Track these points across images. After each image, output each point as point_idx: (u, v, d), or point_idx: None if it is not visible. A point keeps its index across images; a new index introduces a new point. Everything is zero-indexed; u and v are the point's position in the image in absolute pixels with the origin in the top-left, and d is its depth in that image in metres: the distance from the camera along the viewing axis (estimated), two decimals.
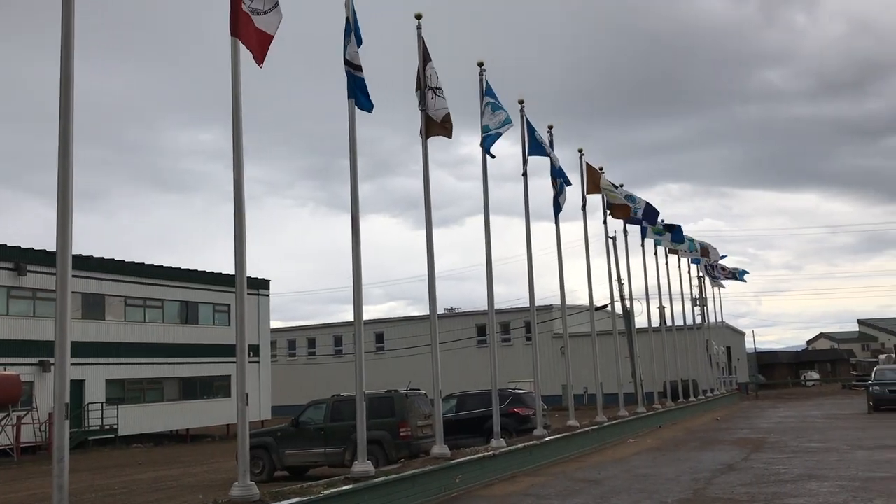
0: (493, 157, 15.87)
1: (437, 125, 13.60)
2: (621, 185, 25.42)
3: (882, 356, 76.26)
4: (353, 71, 11.56)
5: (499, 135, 15.85)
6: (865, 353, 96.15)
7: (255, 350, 43.40)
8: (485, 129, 15.66)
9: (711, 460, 15.98)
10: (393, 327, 61.72)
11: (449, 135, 13.69)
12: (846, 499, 10.49)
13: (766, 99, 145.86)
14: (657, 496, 11.54)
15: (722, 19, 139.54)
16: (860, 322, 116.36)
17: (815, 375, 72.11)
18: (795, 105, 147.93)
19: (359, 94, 11.56)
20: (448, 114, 13.37)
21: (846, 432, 21.53)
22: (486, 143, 15.67)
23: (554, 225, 20.38)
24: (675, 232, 30.56)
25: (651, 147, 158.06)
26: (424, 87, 13.36)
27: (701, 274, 41.94)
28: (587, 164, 22.79)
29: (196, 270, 42.38)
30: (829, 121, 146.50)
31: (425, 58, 13.41)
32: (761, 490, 11.60)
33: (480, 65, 16.06)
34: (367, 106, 11.64)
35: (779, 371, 75.11)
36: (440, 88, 13.36)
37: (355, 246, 11.57)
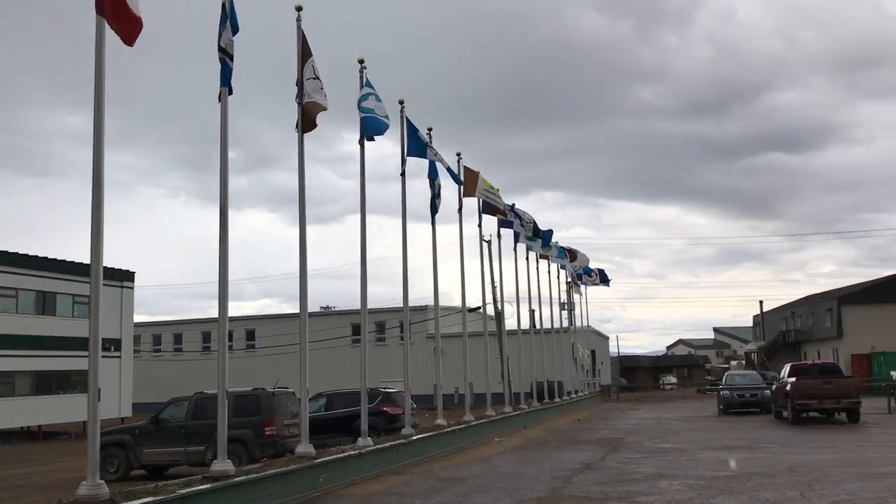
0: (371, 139, 15.80)
1: (313, 120, 13.44)
2: (497, 190, 25.89)
3: (733, 363, 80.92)
4: (228, 59, 11.27)
5: (382, 123, 15.80)
6: (719, 359, 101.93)
7: (116, 344, 41.55)
8: (367, 110, 15.52)
9: (571, 460, 16.52)
10: (265, 324, 60.55)
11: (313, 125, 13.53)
12: (692, 496, 11.07)
13: (639, 115, 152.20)
14: (517, 494, 11.83)
15: (599, 35, 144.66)
16: (715, 330, 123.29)
17: (673, 379, 75.71)
18: (665, 122, 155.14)
19: (231, 83, 11.29)
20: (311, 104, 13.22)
21: (697, 434, 22.74)
22: (368, 124, 15.50)
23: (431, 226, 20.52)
24: (545, 238, 31.40)
25: (527, 156, 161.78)
26: (303, 80, 13.17)
27: (569, 279, 43.31)
28: (465, 167, 23.07)
29: (55, 259, 40.14)
30: (694, 138, 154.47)
31: (305, 51, 13.22)
32: (615, 489, 12.09)
33: (361, 62, 15.99)
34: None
35: (640, 374, 78.47)
36: (317, 79, 13.21)
37: (223, 239, 11.26)
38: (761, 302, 77.55)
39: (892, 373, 37.48)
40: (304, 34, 13.37)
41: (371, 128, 15.60)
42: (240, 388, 18.94)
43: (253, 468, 12.13)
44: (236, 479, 10.58)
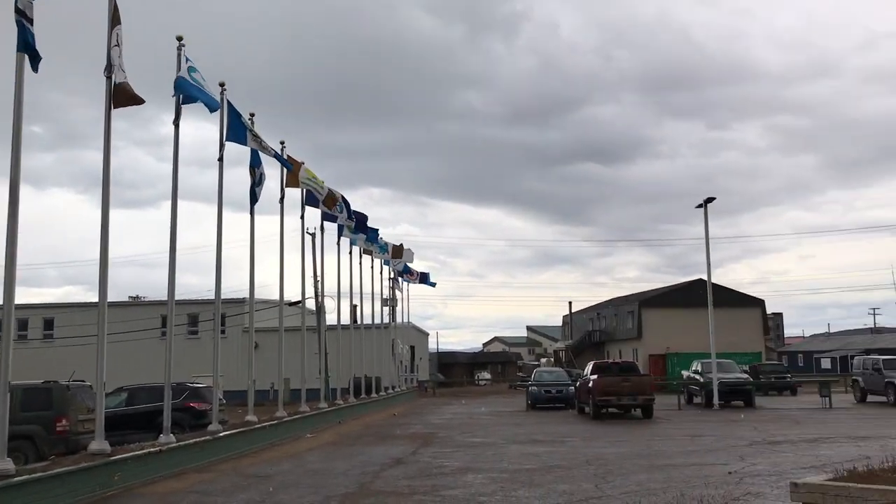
0: (184, 102, 15.18)
1: (126, 95, 12.62)
2: (322, 182, 25.52)
3: (543, 360, 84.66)
4: (27, 23, 10.34)
5: (212, 98, 15.23)
6: (531, 356, 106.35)
7: None
8: (197, 82, 14.91)
9: (383, 455, 16.57)
10: (65, 313, 56.46)
11: (139, 101, 12.74)
12: (494, 489, 11.39)
13: (465, 118, 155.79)
14: (324, 490, 11.69)
15: (431, 37, 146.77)
16: (529, 328, 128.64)
17: (488, 375, 78.12)
18: (491, 127, 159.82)
19: (32, 49, 10.37)
20: (127, 83, 12.44)
21: (505, 428, 23.53)
22: (198, 93, 14.83)
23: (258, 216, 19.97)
24: (369, 233, 31.38)
25: (356, 150, 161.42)
26: (110, 48, 12.32)
27: (392, 275, 43.60)
28: (288, 156, 22.58)
29: None
30: (517, 145, 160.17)
31: (115, 18, 12.37)
32: (423, 483, 12.23)
33: (179, 39, 15.22)
34: (34, 65, 10.51)
35: (457, 370, 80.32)
36: (119, 46, 12.40)
37: (11, 218, 10.34)
38: (570, 303, 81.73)
39: (683, 372, 40.49)
40: (116, 2, 12.52)
41: (195, 93, 14.96)
42: (34, 380, 17.59)
43: (38, 467, 11.25)
44: (17, 479, 9.76)
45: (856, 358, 41.15)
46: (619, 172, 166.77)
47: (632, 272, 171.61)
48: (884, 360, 34.59)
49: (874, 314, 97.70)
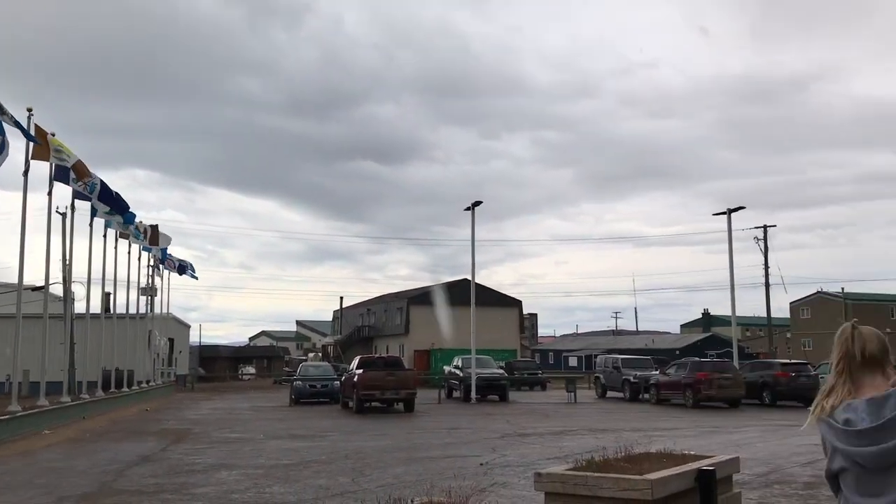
0: None
1: None
2: (73, 154, 23.45)
3: (311, 355, 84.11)
4: None
5: None
6: (299, 351, 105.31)
7: None
8: None
9: (130, 452, 15.52)
10: None
11: None
12: (248, 486, 11.01)
13: (243, 105, 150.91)
14: (59, 491, 10.69)
15: (209, 18, 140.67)
16: (298, 323, 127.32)
17: (252, 370, 76.23)
18: (269, 116, 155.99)
19: None
20: None
21: (266, 423, 22.97)
22: None
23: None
24: (126, 215, 29.30)
25: (118, 129, 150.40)
26: None
27: (152, 263, 41.13)
28: (36, 125, 20.53)
29: None
30: (296, 136, 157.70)
31: None
32: (172, 480, 11.57)
33: None
34: None
35: (220, 364, 77.49)
36: None
37: None
38: (342, 298, 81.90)
39: (445, 367, 41.85)
40: None
41: None
42: None
43: None
44: None
45: (598, 357, 44.82)
46: (396, 173, 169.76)
47: (403, 270, 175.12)
48: (622, 359, 38.08)
49: (616, 318, 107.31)
